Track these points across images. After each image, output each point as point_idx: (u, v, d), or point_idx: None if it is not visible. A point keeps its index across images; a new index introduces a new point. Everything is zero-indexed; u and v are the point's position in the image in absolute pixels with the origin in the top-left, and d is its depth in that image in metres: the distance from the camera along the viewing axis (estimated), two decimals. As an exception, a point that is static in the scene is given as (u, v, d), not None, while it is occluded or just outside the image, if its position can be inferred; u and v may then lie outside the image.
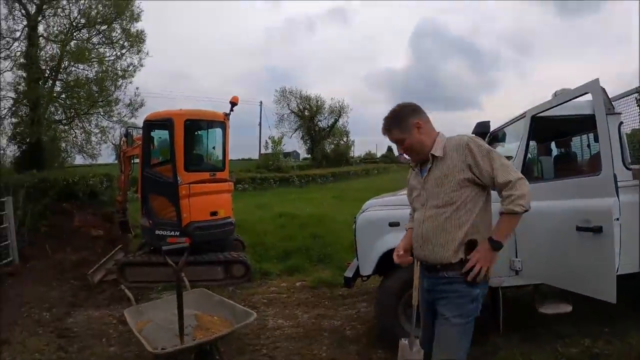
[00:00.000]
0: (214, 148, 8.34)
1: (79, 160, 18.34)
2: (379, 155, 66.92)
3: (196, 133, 8.14)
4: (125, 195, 9.77)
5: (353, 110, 52.34)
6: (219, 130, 8.18)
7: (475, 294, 2.47)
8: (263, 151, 42.51)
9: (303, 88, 71.81)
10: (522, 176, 2.36)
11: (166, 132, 7.78)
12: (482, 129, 5.79)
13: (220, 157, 8.22)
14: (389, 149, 70.42)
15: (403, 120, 2.57)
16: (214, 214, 7.66)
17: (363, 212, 5.08)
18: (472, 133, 6.23)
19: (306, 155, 54.18)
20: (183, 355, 3.85)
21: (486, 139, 5.62)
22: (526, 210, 2.33)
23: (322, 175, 33.83)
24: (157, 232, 7.70)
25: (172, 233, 7.55)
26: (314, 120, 49.85)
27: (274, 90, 61.72)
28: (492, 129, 5.73)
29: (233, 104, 8.02)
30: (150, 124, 8.06)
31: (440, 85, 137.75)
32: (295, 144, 52.80)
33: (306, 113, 49.81)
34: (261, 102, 46.84)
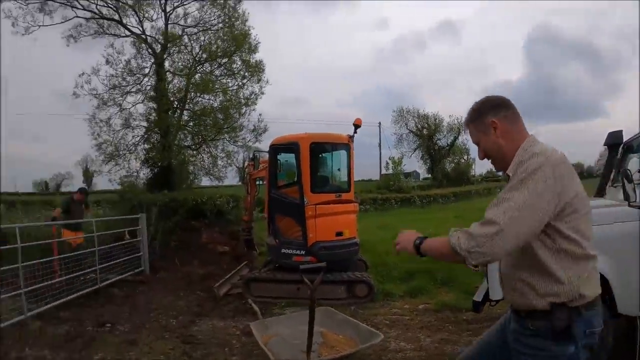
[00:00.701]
0: (338, 170, 8.55)
1: (205, 182, 19.58)
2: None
3: (321, 155, 8.45)
4: (251, 214, 10.34)
5: None
6: (343, 152, 8.38)
7: (570, 353, 1.94)
8: (383, 172, 42.71)
9: (418, 106, 70.99)
10: (500, 225, 1.80)
11: (292, 155, 8.16)
12: (614, 140, 5.52)
13: (345, 179, 8.40)
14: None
15: (480, 116, 2.15)
16: (339, 234, 7.84)
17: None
18: (604, 145, 5.97)
19: (426, 175, 53.70)
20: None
21: (619, 151, 5.41)
22: (457, 252, 1.87)
23: (443, 195, 33.51)
24: (283, 250, 8.03)
25: (298, 252, 7.84)
26: (432, 139, 49.37)
27: (391, 111, 61.69)
28: (625, 138, 5.38)
29: (356, 126, 8.15)
30: (277, 148, 8.49)
31: (559, 93, 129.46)
32: (415, 164, 52.46)
33: (425, 132, 49.41)
34: (380, 123, 46.87)
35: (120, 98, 16.81)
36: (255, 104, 18.14)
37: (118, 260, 9.58)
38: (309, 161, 7.87)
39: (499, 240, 1.80)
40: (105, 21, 16.78)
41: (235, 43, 17.26)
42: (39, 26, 16.04)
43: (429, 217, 19.21)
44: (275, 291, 7.83)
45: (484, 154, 2.21)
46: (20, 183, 56.10)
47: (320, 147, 8.31)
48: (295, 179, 8.11)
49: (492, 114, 2.11)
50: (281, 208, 8.30)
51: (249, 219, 10.40)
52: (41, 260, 7.61)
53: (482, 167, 73.63)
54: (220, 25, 17.52)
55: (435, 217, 18.59)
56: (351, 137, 8.23)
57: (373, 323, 6.34)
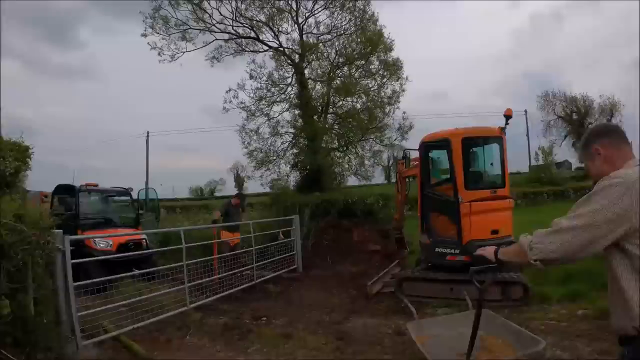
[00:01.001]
0: (492, 164, 8.13)
1: (352, 181, 19.90)
2: None
3: (473, 150, 8.08)
4: (401, 213, 10.23)
5: (626, 106, 44.66)
6: (495, 146, 7.97)
7: None
8: (533, 163, 39.84)
9: (564, 88, 64.54)
10: (557, 229, 1.93)
11: (444, 152, 7.93)
12: None
13: (500, 173, 7.98)
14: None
15: (586, 144, 2.23)
16: (494, 232, 7.41)
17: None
18: None
19: (579, 164, 49.34)
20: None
21: None
22: (524, 248, 2.05)
23: None
24: (436, 249, 7.80)
25: (452, 251, 7.56)
26: (583, 124, 43.23)
27: (536, 96, 57.56)
28: None
29: (507, 117, 7.69)
30: (428, 145, 8.30)
31: None
32: (566, 153, 48.27)
33: (574, 116, 44.55)
34: (526, 111, 44.15)
35: (267, 108, 17.76)
36: (399, 102, 18.04)
37: (273, 259, 10.04)
38: (461, 157, 7.58)
39: (550, 244, 1.94)
40: (243, 40, 17.86)
41: (370, 44, 17.30)
42: (183, 52, 17.57)
43: None
44: (427, 291, 7.63)
45: (593, 179, 2.19)
46: (178, 190, 61.75)
47: (472, 142, 7.95)
48: (448, 176, 7.84)
49: (597, 141, 2.17)
50: (434, 206, 8.11)
51: (400, 217, 10.31)
52: (203, 259, 8.27)
53: (644, 151, 65.51)
54: (352, 28, 17.70)
55: None
56: (503, 129, 7.76)
57: (528, 328, 5.89)
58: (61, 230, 5.14)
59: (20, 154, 12.77)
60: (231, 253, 9.37)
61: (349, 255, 11.77)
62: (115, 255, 8.24)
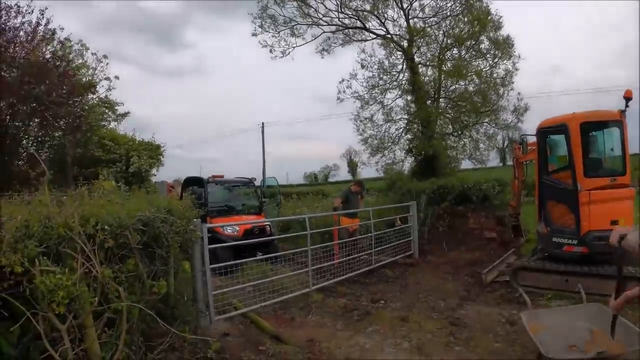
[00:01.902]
0: (612, 150, 7.76)
1: (466, 164, 19.67)
2: None
3: (592, 135, 7.79)
4: (518, 200, 10.14)
5: None
6: (615, 130, 7.57)
7: None
8: None
9: None
10: None
11: (561, 137, 7.76)
12: None
13: (620, 160, 7.62)
14: None
15: None
16: (614, 222, 7.05)
17: None
18: None
19: None
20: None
21: None
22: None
23: None
24: (553, 239, 7.73)
25: (570, 241, 7.46)
26: None
27: None
28: None
29: (627, 98, 7.35)
30: (545, 131, 8.15)
31: None
32: None
33: None
34: (645, 82, 40.33)
35: (380, 96, 17.89)
36: (512, 83, 17.45)
37: (390, 245, 10.41)
38: (580, 143, 7.39)
39: None
40: (350, 30, 18.12)
41: (478, 23, 16.75)
42: (293, 47, 18.22)
43: None
44: (542, 281, 7.55)
45: None
46: (293, 176, 63.68)
47: (591, 127, 7.65)
48: (567, 163, 7.66)
49: None
50: (552, 194, 7.99)
51: (517, 204, 10.21)
52: (325, 245, 8.93)
53: None
54: (459, 8, 17.26)
55: None
56: (623, 112, 7.41)
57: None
58: (199, 219, 5.85)
59: (153, 152, 14.23)
60: (350, 239, 9.82)
61: (464, 242, 11.91)
62: (243, 242, 9.04)
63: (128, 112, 20.69)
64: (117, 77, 17.84)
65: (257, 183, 13.21)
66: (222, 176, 12.29)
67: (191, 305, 5.39)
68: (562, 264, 7.45)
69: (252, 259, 7.74)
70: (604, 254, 7.05)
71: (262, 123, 41.71)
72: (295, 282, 7.73)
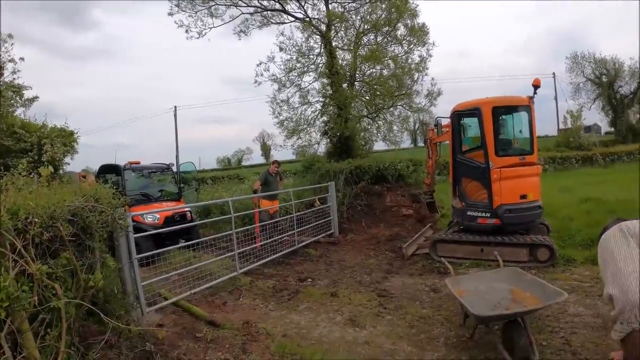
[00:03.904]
0: (520, 132, 8.43)
1: (378, 146, 20.20)
2: None
3: (502, 118, 8.37)
4: (432, 178, 10.67)
5: None
6: (524, 114, 8.24)
7: None
8: (561, 127, 39.62)
9: (592, 48, 62.67)
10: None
11: (474, 120, 8.26)
12: None
13: (528, 141, 8.28)
14: None
15: None
16: (523, 197, 7.84)
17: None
18: None
19: (608, 129, 47.53)
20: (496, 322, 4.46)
21: None
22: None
23: (629, 152, 29.57)
24: (468, 213, 8.27)
25: (483, 214, 8.03)
26: (613, 87, 43.21)
27: (564, 57, 55.40)
28: None
29: (536, 86, 8.01)
30: (460, 114, 8.65)
31: None
32: (595, 116, 47.05)
33: (604, 79, 43.62)
34: (554, 74, 43.62)
35: (298, 79, 17.97)
36: (427, 68, 18.07)
37: (311, 225, 10.59)
38: (492, 125, 7.93)
39: None
40: (269, 12, 18.05)
41: (396, 10, 17.21)
42: (210, 28, 17.88)
43: (613, 178, 17.52)
44: (460, 252, 8.15)
45: None
46: (206, 161, 62.74)
47: (502, 111, 8.26)
48: (479, 143, 8.21)
49: None
50: (466, 172, 8.52)
51: (431, 182, 10.74)
52: (247, 227, 8.83)
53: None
54: None
55: (621, 178, 16.71)
56: (531, 99, 8.07)
57: (553, 286, 6.39)
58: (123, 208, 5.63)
59: (66, 139, 13.34)
60: (272, 220, 9.93)
61: (382, 220, 12.27)
62: (165, 229, 8.73)
63: (37, 97, 19.54)
64: (22, 59, 16.70)
65: (174, 168, 12.86)
66: (138, 162, 11.83)
67: (122, 298, 5.21)
68: (477, 235, 8.05)
69: (175, 246, 7.58)
70: (514, 225, 7.84)
71: (175, 107, 40.68)
72: (221, 267, 7.69)
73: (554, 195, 12.47)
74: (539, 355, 4.10)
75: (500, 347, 4.11)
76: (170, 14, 17.30)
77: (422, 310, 5.91)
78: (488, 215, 7.96)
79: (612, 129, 44.82)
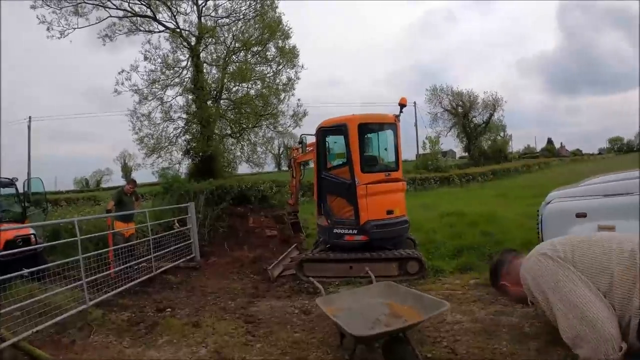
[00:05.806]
0: (386, 149, 8.56)
1: (244, 169, 19.83)
2: (538, 149, 64.03)
3: (369, 136, 8.46)
4: (296, 198, 10.46)
5: (507, 102, 49.73)
6: (390, 132, 8.40)
7: None
8: (420, 151, 42.56)
9: (451, 82, 71.00)
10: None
11: (341, 136, 8.20)
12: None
13: (393, 158, 8.41)
14: (549, 141, 65.91)
15: None
16: (390, 212, 7.89)
17: (547, 203, 5.08)
18: None
19: (462, 154, 53.02)
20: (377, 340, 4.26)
21: None
22: None
23: (482, 173, 33.44)
24: (335, 230, 8.11)
25: (350, 231, 7.92)
26: (468, 117, 48.57)
27: (424, 89, 61.09)
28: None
29: (402, 105, 8.18)
30: (325, 130, 8.55)
31: (598, 64, 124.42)
32: (451, 143, 51.95)
33: (460, 110, 48.68)
34: (415, 103, 46.38)
35: (161, 92, 17.15)
36: (294, 89, 18.27)
37: (170, 249, 9.79)
38: (358, 142, 7.94)
39: None
40: (138, 18, 17.05)
41: (268, 31, 17.29)
42: (74, 29, 16.38)
43: (469, 195, 19.20)
44: (328, 271, 7.94)
45: None
46: (62, 181, 58.04)
47: (368, 128, 8.37)
48: (345, 160, 8.15)
49: None
50: (332, 189, 8.38)
51: (295, 202, 10.51)
52: (99, 252, 7.83)
53: (519, 143, 72.29)
54: (252, 13, 17.60)
55: (476, 195, 18.50)
56: (397, 117, 8.25)
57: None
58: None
59: None
60: (127, 244, 9.01)
61: (245, 242, 11.90)
62: (5, 252, 7.40)
63: None
64: None
65: (19, 185, 11.29)
66: None
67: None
68: (344, 252, 7.91)
69: (15, 274, 6.43)
70: (381, 240, 7.83)
71: (29, 117, 36.98)
72: (69, 298, 6.69)
73: (417, 211, 13.07)
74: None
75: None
76: (33, 7, 15.62)
77: (294, 335, 5.52)
78: (355, 232, 7.87)
79: (466, 154, 49.97)
